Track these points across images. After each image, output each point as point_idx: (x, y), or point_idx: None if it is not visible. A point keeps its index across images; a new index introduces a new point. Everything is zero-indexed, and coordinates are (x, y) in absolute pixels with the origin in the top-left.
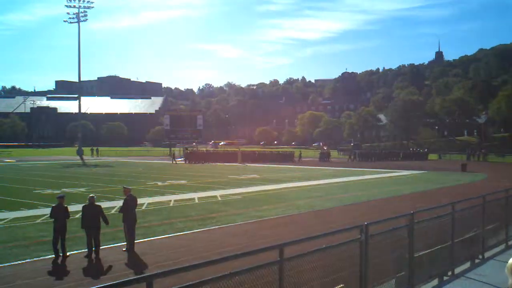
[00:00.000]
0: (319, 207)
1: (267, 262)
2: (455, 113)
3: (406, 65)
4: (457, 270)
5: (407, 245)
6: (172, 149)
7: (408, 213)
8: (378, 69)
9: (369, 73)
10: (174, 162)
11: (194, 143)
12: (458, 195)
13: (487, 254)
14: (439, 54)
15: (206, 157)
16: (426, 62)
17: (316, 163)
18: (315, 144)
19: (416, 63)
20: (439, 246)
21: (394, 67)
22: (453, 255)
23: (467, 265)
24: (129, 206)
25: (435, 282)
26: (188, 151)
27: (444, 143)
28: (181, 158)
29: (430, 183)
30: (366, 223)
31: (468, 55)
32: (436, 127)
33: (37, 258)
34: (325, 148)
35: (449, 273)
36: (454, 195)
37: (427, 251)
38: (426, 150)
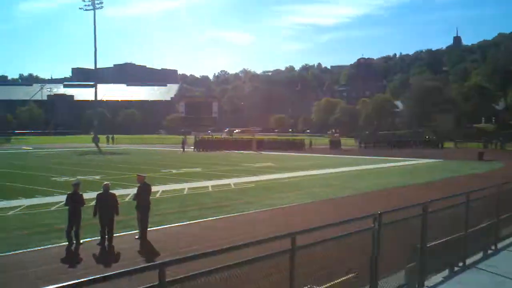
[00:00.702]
0: (334, 195)
1: (279, 251)
2: (472, 100)
3: (424, 51)
4: (469, 261)
5: (420, 235)
6: (182, 136)
7: (422, 203)
8: (395, 54)
9: (386, 59)
10: (183, 150)
11: (209, 131)
12: (473, 184)
13: (500, 245)
14: (457, 39)
15: (217, 145)
16: (444, 48)
17: (327, 151)
18: (329, 132)
19: (433, 49)
20: (451, 236)
21: (411, 52)
22: (466, 246)
23: (479, 255)
24: (143, 194)
25: (445, 273)
26: (198, 139)
27: (461, 130)
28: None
29: (445, 172)
30: (379, 212)
31: (487, 40)
32: (454, 114)
33: (51, 245)
34: (337, 135)
35: (460, 264)
36: (469, 184)
37: (440, 241)
38: (438, 138)
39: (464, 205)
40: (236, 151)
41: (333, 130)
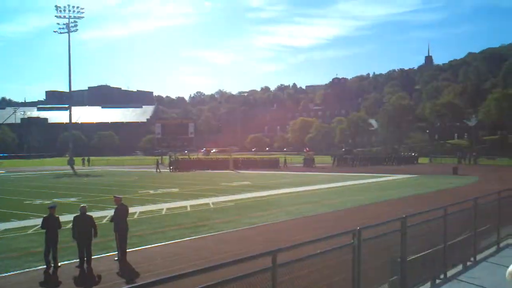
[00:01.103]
0: (311, 212)
1: (260, 269)
2: (445, 117)
3: (396, 70)
4: (450, 273)
5: (400, 249)
6: (157, 157)
7: (401, 217)
8: (368, 74)
9: (360, 79)
10: (158, 170)
11: (186, 151)
12: (450, 198)
13: (479, 257)
14: (428, 59)
15: (192, 165)
16: (416, 67)
17: (302, 169)
18: (304, 150)
19: (406, 68)
20: (431, 250)
21: (384, 72)
22: (446, 258)
23: (459, 268)
24: (121, 215)
25: (427, 285)
26: (173, 159)
27: (435, 146)
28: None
29: (421, 187)
30: (359, 227)
31: (457, 59)
32: (427, 131)
33: (28, 269)
34: (309, 154)
35: (442, 276)
36: (446, 198)
37: (420, 254)
38: (415, 154)
39: (442, 219)
40: (213, 171)
41: (306, 149)
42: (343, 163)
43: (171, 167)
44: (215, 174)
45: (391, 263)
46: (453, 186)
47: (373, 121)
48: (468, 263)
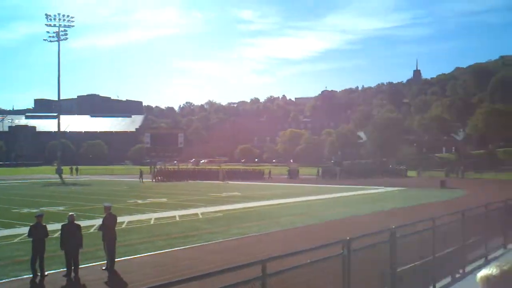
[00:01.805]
0: (301, 223)
1: (250, 278)
2: (433, 130)
3: (385, 84)
4: (439, 285)
5: (389, 260)
6: (140, 167)
7: (390, 228)
8: (357, 87)
9: (349, 91)
10: (141, 180)
11: (175, 161)
12: (438, 211)
13: (467, 269)
14: (417, 73)
15: (176, 175)
16: (405, 81)
17: (286, 180)
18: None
19: (394, 82)
20: (421, 261)
21: (373, 85)
22: (434, 270)
23: (448, 280)
24: (109, 224)
25: None
26: (157, 169)
27: (423, 160)
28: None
29: (409, 200)
30: (348, 238)
31: (446, 73)
32: (415, 144)
33: (14, 278)
34: (294, 166)
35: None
36: (433, 211)
37: (409, 266)
38: (404, 167)
39: (431, 230)
40: (201, 181)
41: (291, 161)
42: (331, 175)
43: (156, 177)
44: (204, 184)
45: (381, 274)
46: (441, 199)
47: (361, 134)
48: (457, 275)
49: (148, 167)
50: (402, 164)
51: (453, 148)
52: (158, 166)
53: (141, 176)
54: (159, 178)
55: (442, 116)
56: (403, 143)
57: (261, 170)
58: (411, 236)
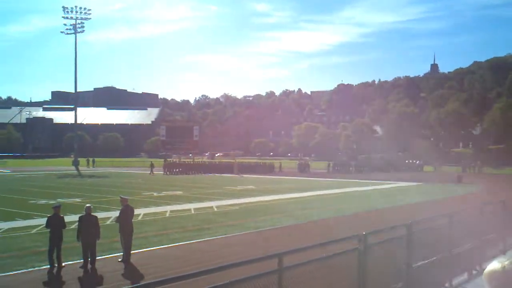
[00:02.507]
0: (317, 217)
1: (266, 272)
2: (450, 125)
3: (402, 77)
4: (455, 282)
5: (405, 256)
6: (151, 160)
7: (406, 224)
8: (373, 81)
9: (365, 85)
10: (151, 173)
11: (190, 154)
12: (454, 206)
13: (484, 265)
14: (434, 67)
15: (186, 168)
16: (422, 74)
17: (296, 174)
18: (306, 156)
19: (411, 75)
20: (437, 257)
21: (389, 79)
22: (451, 266)
23: (464, 276)
24: (126, 216)
25: None
26: (167, 162)
27: (440, 155)
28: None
29: (425, 195)
30: (364, 232)
31: (463, 67)
32: (432, 139)
33: (32, 269)
34: (304, 159)
35: (447, 284)
36: (450, 206)
37: (425, 261)
38: (420, 162)
39: (448, 226)
40: (215, 174)
41: (300, 155)
42: (342, 169)
43: (165, 170)
44: (219, 177)
45: (397, 269)
46: (457, 194)
47: (377, 128)
48: (474, 272)
49: (162, 160)
50: (418, 159)
51: (470, 143)
52: (169, 159)
53: (151, 168)
54: (169, 171)
55: (459, 110)
56: (419, 138)
57: (272, 164)
58: (428, 231)
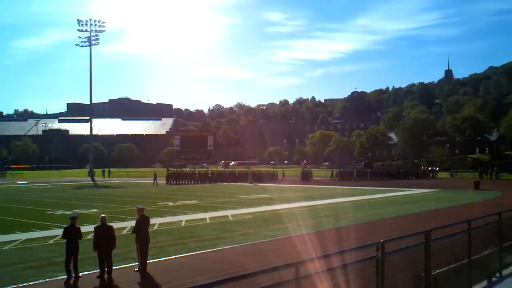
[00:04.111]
0: (331, 225)
1: (283, 280)
2: (466, 131)
3: (416, 84)
4: None
5: (424, 263)
6: (154, 170)
7: (425, 231)
8: (387, 88)
9: (379, 92)
10: (155, 183)
11: (204, 163)
12: (472, 212)
13: (504, 272)
14: (448, 73)
15: (190, 178)
16: (436, 81)
17: (299, 182)
18: (324, 164)
19: (425, 82)
20: (456, 264)
21: (403, 85)
22: (470, 273)
23: (484, 283)
24: (142, 226)
25: None
26: (170, 172)
27: (456, 161)
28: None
29: (442, 201)
30: (382, 240)
31: (478, 73)
32: (447, 145)
33: (49, 279)
34: (307, 167)
35: None
36: (468, 213)
37: (444, 269)
38: (437, 168)
39: (466, 233)
40: (229, 183)
41: (303, 162)
42: (346, 177)
43: (168, 180)
44: (233, 186)
45: (415, 277)
46: (475, 200)
47: (392, 135)
48: (494, 279)
49: (186, 169)
50: (433, 165)
51: (487, 149)
52: (171, 169)
53: (155, 178)
54: (172, 181)
55: (475, 116)
56: (435, 144)
57: (275, 172)
58: (446, 239)
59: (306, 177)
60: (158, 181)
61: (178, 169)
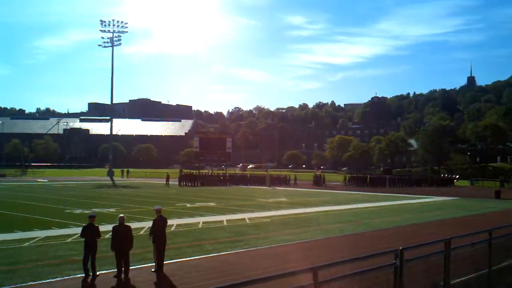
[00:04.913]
0: (350, 231)
1: (301, 285)
2: (487, 139)
3: (437, 90)
4: None
5: (442, 272)
6: (167, 171)
7: (445, 239)
8: (408, 94)
9: (399, 98)
10: (167, 184)
11: (223, 166)
12: (493, 222)
13: None
14: (471, 79)
15: (202, 180)
16: (458, 87)
17: (312, 186)
18: (344, 169)
19: (447, 88)
20: (475, 274)
21: (425, 92)
22: (490, 283)
23: None
24: (160, 227)
25: None
26: (183, 173)
27: (476, 169)
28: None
29: (461, 210)
30: (401, 247)
31: (501, 80)
32: (468, 153)
33: (67, 277)
34: (319, 173)
35: None
36: (489, 222)
37: (463, 278)
38: (457, 176)
39: (487, 242)
40: (247, 186)
41: (315, 168)
42: (362, 182)
43: (180, 182)
44: (251, 189)
45: (434, 286)
46: (495, 210)
47: (412, 141)
48: None
49: (205, 171)
50: (453, 173)
51: (508, 157)
52: (184, 171)
53: (167, 180)
54: (185, 183)
55: (497, 124)
56: (455, 152)
57: (287, 176)
58: (466, 248)
59: (318, 182)
60: (170, 182)
61: (192, 171)
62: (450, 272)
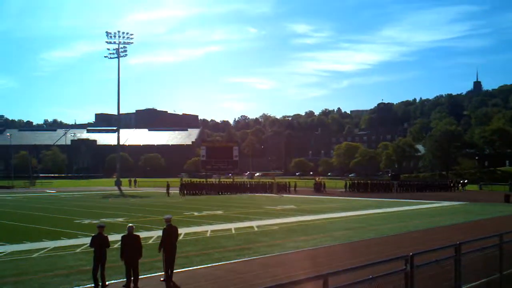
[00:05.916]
0: (358, 238)
1: None
2: (495, 144)
3: (444, 95)
4: None
5: (453, 277)
6: (167, 180)
7: (455, 244)
8: (414, 99)
9: (406, 104)
10: (168, 194)
11: (230, 174)
12: (503, 226)
13: None
14: (477, 84)
15: (205, 188)
16: (464, 92)
17: (313, 193)
18: (351, 175)
19: (453, 93)
20: (486, 279)
21: (431, 97)
22: None
23: None
24: (169, 235)
25: None
26: (184, 182)
27: (485, 173)
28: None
29: (471, 214)
30: (411, 253)
31: (508, 84)
32: (476, 158)
33: (77, 287)
34: (318, 180)
35: None
36: (499, 226)
37: (474, 283)
38: (465, 181)
39: (498, 247)
40: (253, 194)
41: (317, 177)
42: (378, 189)
43: (181, 191)
44: (259, 197)
45: None
46: (506, 214)
47: (419, 147)
48: None
49: (212, 179)
50: (462, 177)
51: None
52: (185, 179)
53: (168, 189)
54: (185, 192)
55: (505, 128)
56: (463, 156)
57: (286, 183)
58: (477, 252)
59: (318, 189)
60: (170, 191)
61: (193, 180)
62: (461, 277)
